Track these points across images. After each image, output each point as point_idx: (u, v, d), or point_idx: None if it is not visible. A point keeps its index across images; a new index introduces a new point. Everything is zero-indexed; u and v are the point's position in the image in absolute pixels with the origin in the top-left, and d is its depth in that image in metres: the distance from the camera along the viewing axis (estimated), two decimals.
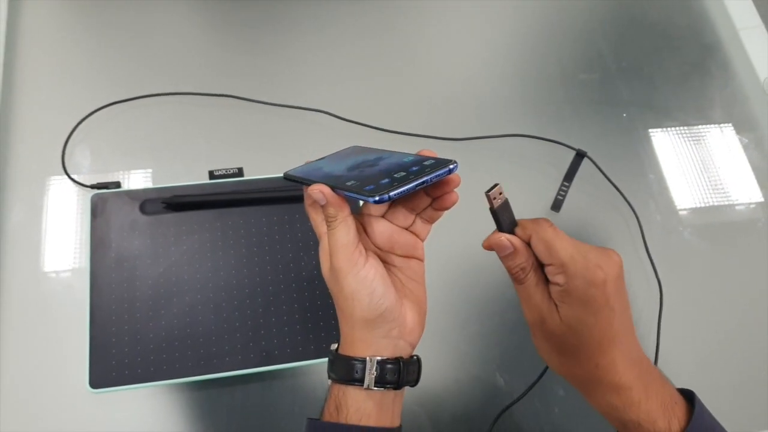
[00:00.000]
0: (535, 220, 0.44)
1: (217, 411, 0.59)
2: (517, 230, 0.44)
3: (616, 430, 0.46)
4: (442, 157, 0.41)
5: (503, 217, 0.44)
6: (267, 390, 0.60)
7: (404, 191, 0.38)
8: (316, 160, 0.49)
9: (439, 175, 0.39)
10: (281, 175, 0.66)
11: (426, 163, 0.40)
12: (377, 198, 0.37)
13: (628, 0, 0.89)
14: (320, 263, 0.44)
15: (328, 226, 0.43)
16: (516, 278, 0.44)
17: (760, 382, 0.68)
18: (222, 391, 0.60)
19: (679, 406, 0.44)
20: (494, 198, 0.43)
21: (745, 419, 0.65)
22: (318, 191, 0.42)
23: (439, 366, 0.64)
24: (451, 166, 0.40)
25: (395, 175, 0.39)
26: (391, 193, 0.37)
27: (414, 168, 0.40)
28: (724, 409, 0.65)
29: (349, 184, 0.41)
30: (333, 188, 0.42)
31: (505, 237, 0.44)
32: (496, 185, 0.42)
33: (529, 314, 0.45)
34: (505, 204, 0.44)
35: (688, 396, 0.45)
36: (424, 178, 0.38)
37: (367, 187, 0.38)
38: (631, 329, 0.44)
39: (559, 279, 0.42)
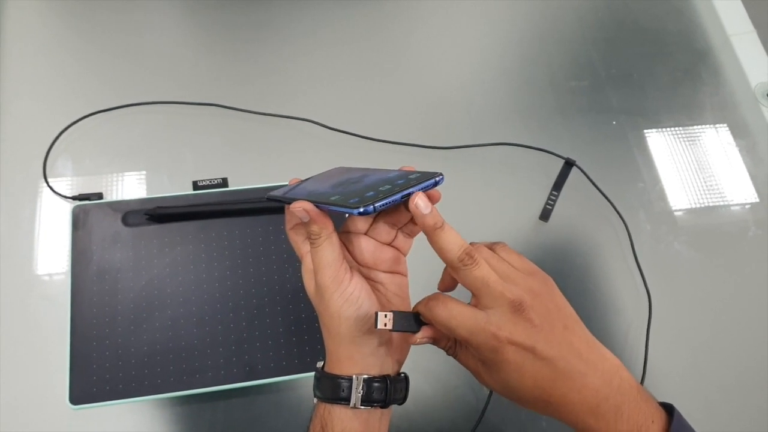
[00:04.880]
0: (426, 302, 0.41)
1: (200, 427, 0.59)
2: (423, 318, 0.42)
3: None
4: (428, 170, 0.40)
5: (407, 324, 0.42)
6: (251, 405, 0.60)
7: (389, 202, 0.37)
8: (300, 182, 0.48)
9: (425, 187, 0.38)
10: (266, 185, 0.67)
11: (411, 176, 0.40)
12: (362, 209, 0.36)
13: (618, 6, 0.88)
14: (304, 283, 0.44)
15: (311, 245, 0.42)
16: (451, 355, 0.44)
17: (750, 393, 0.67)
18: (204, 406, 0.59)
19: (657, 425, 0.41)
20: (385, 325, 0.40)
21: (734, 430, 0.65)
22: (301, 209, 0.41)
23: (426, 380, 0.63)
24: (437, 178, 0.39)
25: (380, 188, 0.38)
26: (377, 204, 0.36)
27: (399, 181, 0.39)
28: (712, 419, 0.65)
29: (333, 199, 0.40)
30: (316, 204, 0.41)
31: (420, 336, 0.42)
32: (377, 315, 0.40)
33: (475, 377, 0.43)
34: (398, 315, 0.41)
35: (669, 410, 0.43)
36: (410, 189, 0.38)
37: (352, 200, 0.38)
38: (587, 349, 0.41)
39: (472, 351, 0.41)
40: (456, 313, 0.40)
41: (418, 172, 0.40)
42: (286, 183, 0.66)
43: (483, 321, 0.39)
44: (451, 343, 0.43)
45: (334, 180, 0.45)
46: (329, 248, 0.41)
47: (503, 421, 0.62)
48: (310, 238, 0.42)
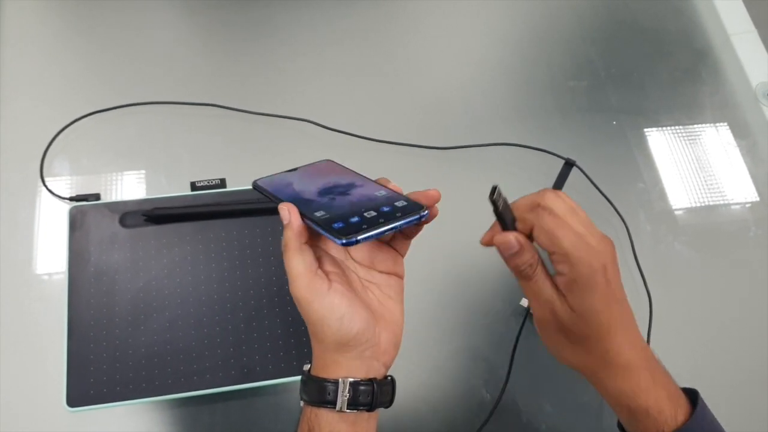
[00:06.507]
0: (534, 208, 0.42)
1: (198, 429, 0.58)
2: (518, 225, 0.43)
3: (619, 427, 0.47)
4: (414, 200, 0.41)
5: (507, 217, 0.43)
6: (248, 407, 0.59)
7: (372, 237, 0.38)
8: (287, 171, 0.48)
9: (408, 223, 0.39)
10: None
11: (398, 204, 0.40)
12: (344, 241, 0.37)
13: (617, 5, 0.88)
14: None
15: (283, 249, 0.41)
16: (524, 276, 0.43)
17: (750, 393, 0.67)
18: (202, 408, 0.59)
19: (683, 400, 0.45)
20: (495, 200, 0.42)
21: (734, 430, 0.64)
22: (286, 210, 0.41)
23: (422, 382, 0.63)
24: (422, 213, 0.40)
25: (365, 214, 0.39)
26: (359, 237, 0.37)
27: (385, 209, 0.40)
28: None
29: (318, 214, 0.40)
30: (302, 215, 0.41)
31: (512, 236, 0.42)
32: (495, 188, 0.42)
33: (539, 310, 0.44)
34: (506, 203, 0.43)
35: (690, 394, 0.46)
36: (394, 224, 0.39)
37: (336, 224, 0.38)
38: (632, 317, 0.45)
39: (563, 268, 0.41)
40: (562, 222, 0.41)
41: (404, 200, 0.41)
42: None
43: (588, 239, 0.41)
44: (533, 260, 0.43)
45: (323, 181, 0.45)
46: (299, 258, 0.40)
47: (506, 426, 0.61)
48: (283, 242, 0.41)
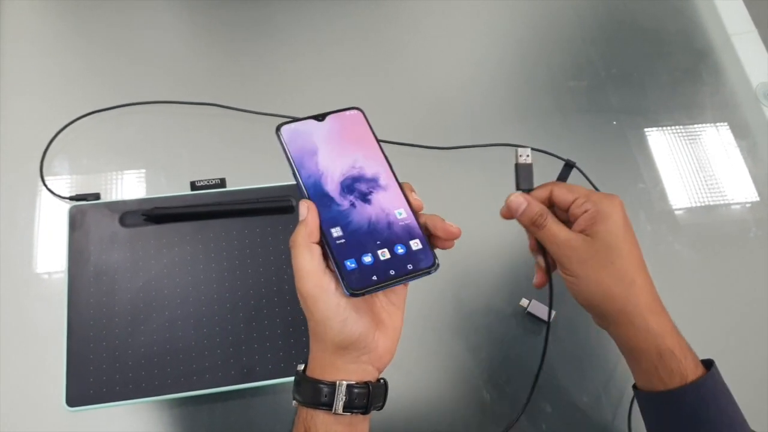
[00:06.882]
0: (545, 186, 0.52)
1: (197, 429, 0.58)
2: (536, 188, 0.51)
3: (634, 389, 0.50)
4: (430, 244, 0.42)
5: (522, 176, 0.51)
6: (248, 407, 0.59)
7: (379, 290, 0.40)
8: (314, 118, 0.45)
9: (415, 278, 0.41)
10: (265, 185, 0.66)
11: (413, 246, 0.42)
12: (349, 293, 0.39)
13: (617, 5, 0.88)
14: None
15: (290, 245, 0.41)
16: (537, 225, 0.49)
17: (750, 393, 0.67)
18: (202, 408, 0.59)
19: (698, 358, 0.49)
20: (520, 155, 0.52)
21: None
22: (305, 208, 0.41)
23: (422, 382, 0.63)
24: (432, 271, 0.41)
25: (379, 253, 0.41)
26: (365, 292, 0.39)
27: (399, 250, 0.41)
28: None
29: (335, 234, 0.41)
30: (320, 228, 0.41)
31: (519, 195, 0.50)
32: (526, 147, 0.52)
33: (559, 251, 0.49)
34: (528, 167, 0.50)
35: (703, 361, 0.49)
36: (401, 279, 0.40)
37: (349, 264, 0.40)
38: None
39: (587, 206, 0.48)
40: (577, 186, 0.51)
41: (420, 240, 0.42)
42: (284, 183, 0.66)
43: (600, 192, 0.50)
44: (542, 211, 0.49)
45: (348, 160, 0.44)
46: (308, 256, 0.40)
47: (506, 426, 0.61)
48: (292, 238, 0.41)
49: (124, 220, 0.64)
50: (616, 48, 0.84)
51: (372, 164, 0.44)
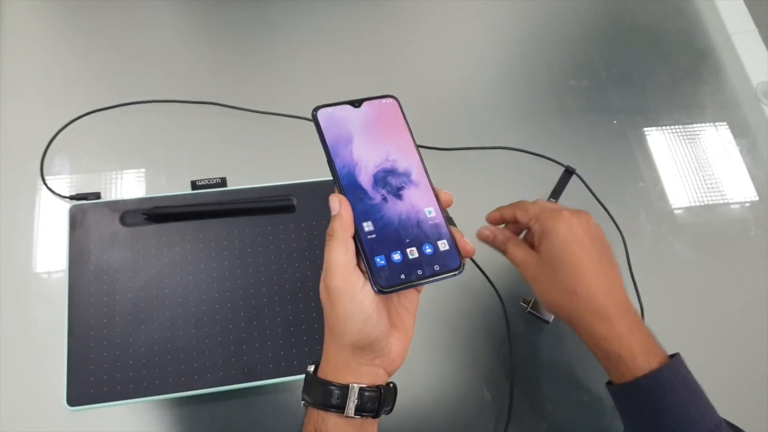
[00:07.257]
0: (514, 206, 0.58)
1: (198, 428, 0.58)
2: (503, 208, 0.58)
3: (607, 385, 0.52)
4: (456, 246, 0.42)
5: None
6: (249, 406, 0.59)
7: (406, 288, 0.40)
8: (350, 104, 0.45)
9: (441, 279, 0.41)
10: (265, 184, 0.66)
11: (440, 247, 0.41)
12: (378, 290, 0.40)
13: (617, 5, 0.88)
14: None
15: (327, 239, 0.41)
16: (503, 249, 0.56)
17: (750, 392, 0.67)
18: (203, 407, 0.59)
19: (661, 354, 0.50)
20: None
21: None
22: (336, 202, 0.41)
23: (423, 383, 0.63)
24: (457, 273, 0.41)
25: (408, 252, 0.40)
26: (395, 289, 0.40)
27: (427, 250, 0.41)
28: None
29: (367, 229, 0.41)
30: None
31: (483, 227, 0.58)
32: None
33: (519, 269, 0.55)
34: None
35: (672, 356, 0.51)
36: (427, 281, 0.40)
37: (378, 258, 0.40)
38: (614, 271, 0.53)
39: (535, 227, 0.54)
40: (534, 202, 0.56)
41: (448, 241, 0.41)
42: (285, 182, 0.66)
43: (553, 206, 0.55)
44: (504, 238, 0.56)
45: (382, 152, 0.43)
46: (342, 250, 0.40)
47: (505, 426, 0.61)
48: (329, 230, 0.41)
49: (124, 220, 0.64)
50: (617, 48, 0.84)
51: (405, 158, 0.43)
